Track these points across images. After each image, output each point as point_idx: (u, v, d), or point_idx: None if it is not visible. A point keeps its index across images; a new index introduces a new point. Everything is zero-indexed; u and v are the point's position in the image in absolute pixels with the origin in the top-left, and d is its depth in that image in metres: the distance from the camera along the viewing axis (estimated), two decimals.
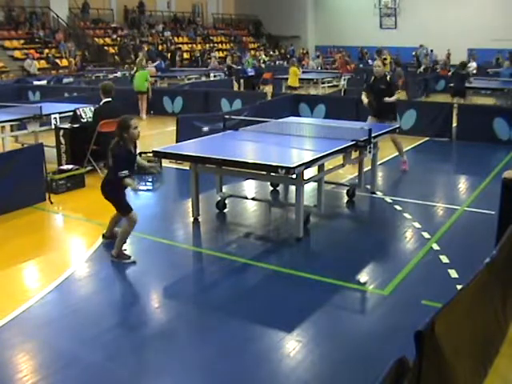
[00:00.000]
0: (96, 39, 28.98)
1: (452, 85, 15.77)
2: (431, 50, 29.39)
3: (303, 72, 22.22)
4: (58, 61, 25.69)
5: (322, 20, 36.70)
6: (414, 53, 29.26)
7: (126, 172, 5.62)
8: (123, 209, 5.91)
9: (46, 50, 25.94)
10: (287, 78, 19.81)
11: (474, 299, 3.42)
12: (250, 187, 8.62)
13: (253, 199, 7.78)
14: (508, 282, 4.23)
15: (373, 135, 7.08)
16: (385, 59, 21.90)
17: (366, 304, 5.13)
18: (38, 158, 7.78)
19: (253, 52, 31.48)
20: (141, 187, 6.54)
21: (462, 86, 15.15)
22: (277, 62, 31.52)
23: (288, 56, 33.76)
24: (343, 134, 7.15)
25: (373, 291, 5.18)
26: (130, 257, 5.86)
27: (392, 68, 20.19)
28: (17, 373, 3.95)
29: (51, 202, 7.80)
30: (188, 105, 15.65)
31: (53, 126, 9.86)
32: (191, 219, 7.07)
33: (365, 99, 9.29)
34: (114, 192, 5.87)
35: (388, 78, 9.49)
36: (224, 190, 7.58)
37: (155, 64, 22.68)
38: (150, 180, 9.21)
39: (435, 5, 31.57)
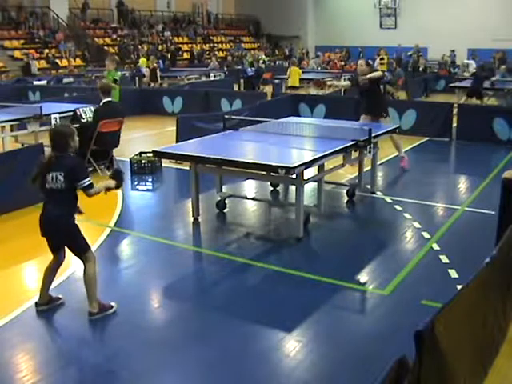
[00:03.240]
0: (96, 39, 28.98)
1: (463, 85, 15.78)
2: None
3: (303, 72, 22.23)
4: (57, 61, 25.69)
5: (322, 20, 36.70)
6: (409, 53, 29.25)
7: (90, 179, 4.48)
8: (84, 246, 4.65)
9: (46, 50, 25.94)
10: (288, 78, 19.80)
11: (473, 299, 3.41)
12: (250, 187, 8.62)
13: (253, 199, 7.79)
14: (508, 281, 4.22)
15: (373, 135, 7.08)
16: (382, 59, 21.91)
17: (366, 304, 5.13)
18: (38, 158, 7.76)
19: (253, 52, 31.45)
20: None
21: (481, 87, 15.13)
22: (277, 62, 31.52)
23: (288, 56, 33.80)
24: (343, 133, 7.15)
25: (373, 291, 5.18)
26: (112, 306, 4.80)
27: (392, 68, 20.19)
28: (17, 373, 3.96)
29: None
30: (188, 105, 15.66)
31: (53, 126, 9.86)
32: (191, 219, 7.06)
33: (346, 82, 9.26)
34: (73, 227, 4.58)
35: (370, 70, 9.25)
36: (224, 190, 7.58)
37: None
38: (149, 180, 9.22)
39: (435, 5, 31.56)
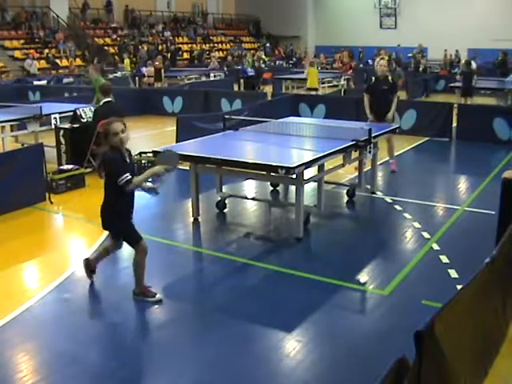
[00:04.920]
0: (96, 39, 28.97)
1: (458, 85, 15.78)
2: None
3: (303, 72, 22.23)
4: (57, 61, 25.68)
5: (322, 20, 36.68)
6: (410, 54, 29.28)
7: (127, 175, 4.60)
8: (132, 239, 4.91)
9: (46, 50, 25.94)
10: (288, 79, 19.86)
11: (473, 299, 3.41)
12: (250, 187, 8.62)
13: (253, 199, 7.79)
14: (508, 281, 4.23)
15: (373, 135, 7.08)
16: (382, 59, 21.86)
17: (366, 304, 5.13)
18: (38, 158, 7.78)
19: (253, 51, 31.45)
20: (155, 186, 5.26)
21: (470, 85, 15.12)
22: (277, 62, 31.50)
23: (287, 56, 33.80)
24: (343, 134, 7.15)
25: (373, 291, 5.18)
26: (155, 294, 4.97)
27: (392, 68, 20.17)
28: (17, 373, 3.96)
29: (51, 202, 7.80)
30: (188, 105, 15.66)
31: (53, 126, 9.87)
32: (191, 219, 7.07)
33: (367, 107, 9.08)
34: (118, 218, 4.84)
35: (390, 78, 9.31)
36: (224, 190, 7.58)
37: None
38: (150, 180, 9.19)
39: (435, 5, 31.55)
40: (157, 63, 20.10)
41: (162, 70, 20.42)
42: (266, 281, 5.50)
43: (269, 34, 38.27)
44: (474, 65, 20.57)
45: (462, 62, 20.30)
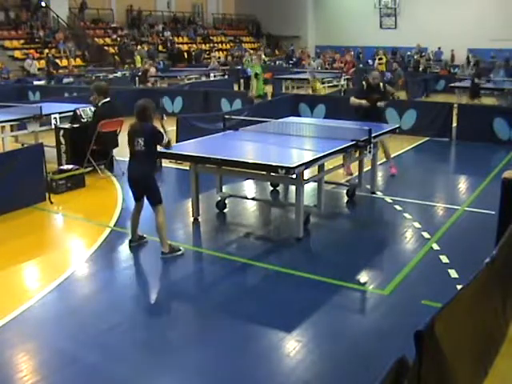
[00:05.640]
0: (96, 39, 28.97)
1: (458, 84, 15.82)
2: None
3: (303, 72, 22.26)
4: (57, 61, 25.67)
5: (322, 20, 36.67)
6: (408, 53, 29.32)
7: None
8: (160, 196, 5.92)
9: (46, 50, 25.93)
10: (288, 79, 19.86)
11: (473, 299, 3.42)
12: (249, 187, 8.62)
13: (253, 199, 7.79)
14: (508, 281, 4.23)
15: (373, 135, 7.08)
16: (380, 59, 21.89)
17: (366, 304, 5.13)
18: (38, 158, 7.78)
19: (252, 52, 31.43)
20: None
21: (474, 86, 15.11)
22: (277, 62, 31.49)
23: (288, 56, 33.78)
24: (343, 134, 7.15)
25: (373, 291, 5.18)
26: (180, 249, 5.92)
27: (392, 68, 20.19)
28: (17, 373, 3.96)
29: (51, 202, 7.80)
30: (188, 105, 15.66)
31: (53, 126, 9.86)
32: (191, 219, 7.07)
33: (358, 101, 9.02)
34: (154, 179, 5.92)
35: (381, 85, 9.28)
36: (224, 190, 7.58)
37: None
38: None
39: (435, 5, 31.54)
40: (146, 66, 20.00)
41: (149, 73, 20.29)
42: (266, 281, 5.50)
43: (269, 34, 38.27)
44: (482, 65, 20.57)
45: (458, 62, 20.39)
